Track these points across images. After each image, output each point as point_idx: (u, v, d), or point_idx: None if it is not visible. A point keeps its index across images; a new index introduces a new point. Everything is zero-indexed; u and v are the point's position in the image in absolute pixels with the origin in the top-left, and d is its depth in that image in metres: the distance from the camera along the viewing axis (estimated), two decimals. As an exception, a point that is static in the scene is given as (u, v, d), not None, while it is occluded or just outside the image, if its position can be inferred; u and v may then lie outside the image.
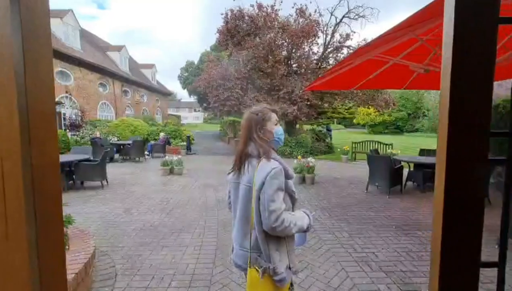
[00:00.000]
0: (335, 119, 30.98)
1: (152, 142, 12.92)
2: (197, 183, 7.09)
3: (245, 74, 11.26)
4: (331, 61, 13.16)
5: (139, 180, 7.28)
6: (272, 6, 11.81)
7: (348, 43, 12.49)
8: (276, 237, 1.28)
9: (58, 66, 14.35)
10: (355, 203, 5.33)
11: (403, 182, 6.19)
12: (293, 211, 1.38)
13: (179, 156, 8.63)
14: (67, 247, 2.74)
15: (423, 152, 7.46)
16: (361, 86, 7.16)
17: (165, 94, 31.30)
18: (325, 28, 12.34)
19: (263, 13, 11.77)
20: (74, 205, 5.03)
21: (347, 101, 13.82)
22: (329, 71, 6.16)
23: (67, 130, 13.44)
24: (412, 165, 6.65)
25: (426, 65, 5.15)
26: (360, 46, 11.57)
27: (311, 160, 7.01)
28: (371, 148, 10.88)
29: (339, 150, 12.21)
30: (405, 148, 14.78)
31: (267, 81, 11.49)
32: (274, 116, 1.40)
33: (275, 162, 1.29)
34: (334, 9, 11.98)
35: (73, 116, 14.36)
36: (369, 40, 12.30)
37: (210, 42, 40.03)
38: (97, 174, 6.32)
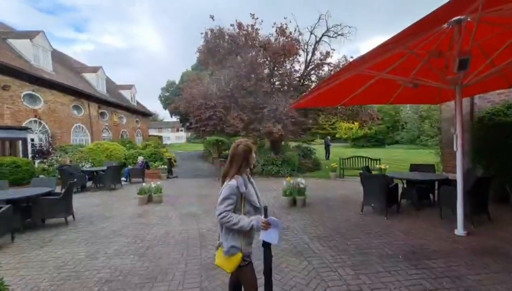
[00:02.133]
0: (318, 135, 31.28)
1: (130, 167, 12.05)
2: (177, 212, 6.41)
3: (228, 92, 10.92)
4: (313, 78, 13.20)
5: (111, 212, 6.48)
6: (252, 26, 11.78)
7: (328, 60, 12.63)
8: (226, 227, 1.97)
9: (25, 89, 13.37)
10: (353, 228, 4.89)
11: (399, 201, 5.88)
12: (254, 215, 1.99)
13: (159, 182, 7.92)
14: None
15: (413, 167, 7.27)
16: (348, 102, 6.97)
17: (145, 115, 30.37)
18: (306, 47, 12.45)
19: (244, 32, 11.70)
20: (29, 251, 4.24)
21: (331, 117, 13.79)
22: (315, 88, 5.91)
23: (35, 157, 12.31)
24: (404, 182, 6.40)
25: (413, 78, 5.03)
26: (350, 60, 11.67)
27: (301, 180, 6.58)
28: (359, 164, 10.69)
29: (326, 167, 11.93)
30: (391, 161, 14.84)
31: (250, 100, 11.20)
32: (253, 151, 2.13)
33: (233, 180, 1.97)
34: (314, 28, 12.16)
35: (41, 142, 13.24)
36: (349, 57, 12.58)
37: (191, 62, 40.04)
38: (61, 209, 5.50)
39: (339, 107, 11.14)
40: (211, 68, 12.77)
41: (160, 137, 34.66)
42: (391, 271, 3.27)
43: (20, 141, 11.98)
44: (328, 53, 12.46)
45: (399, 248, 3.93)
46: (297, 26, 12.28)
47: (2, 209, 4.46)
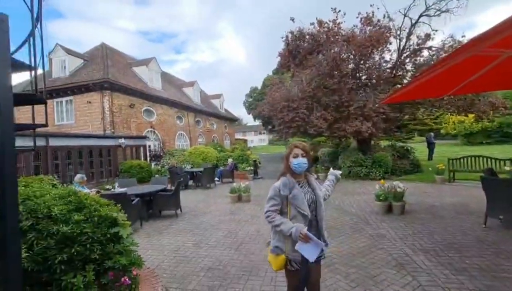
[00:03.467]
0: (416, 132, 27.02)
1: (221, 168, 13.38)
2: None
3: (310, 93, 10.72)
4: (408, 66, 11.50)
5: (209, 208, 7.34)
6: (334, 20, 11.24)
7: (428, 43, 10.75)
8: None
9: (144, 105, 16.73)
10: (473, 244, 3.99)
11: (546, 214, 4.45)
12: (306, 226, 1.88)
13: (247, 182, 8.50)
14: (136, 292, 2.61)
15: None
16: (459, 91, 5.78)
17: (232, 120, 33.22)
18: (398, 32, 10.95)
19: (325, 29, 11.29)
20: (152, 235, 5.26)
21: (434, 110, 11.69)
22: (414, 79, 5.14)
23: (151, 160, 15.20)
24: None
25: None
26: (461, 40, 9.75)
27: (398, 184, 5.82)
28: (477, 165, 8.66)
29: (430, 169, 10.16)
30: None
31: (334, 98, 10.67)
32: (294, 152, 2.03)
33: (278, 181, 2.04)
34: (408, 10, 10.57)
35: (155, 148, 16.26)
36: (458, 36, 10.41)
37: (271, 67, 41.39)
38: (172, 203, 6.60)
39: (445, 98, 9.31)
40: (292, 70, 12.84)
41: (245, 141, 37.18)
42: (540, 305, 2.50)
43: (142, 148, 15.02)
44: (428, 36, 10.61)
45: (550, 277, 2.97)
46: (387, 11, 10.91)
47: (135, 201, 5.70)
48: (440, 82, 4.93)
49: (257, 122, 55.67)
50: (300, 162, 1.99)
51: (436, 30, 10.64)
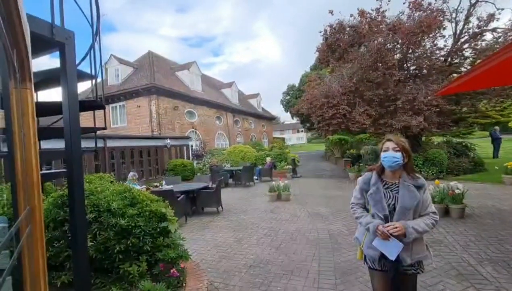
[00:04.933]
0: (477, 126, 23.92)
1: (260, 167, 13.48)
2: (305, 211, 6.56)
3: (351, 87, 10.18)
4: (467, 53, 10.23)
5: (249, 206, 7.45)
6: (377, 9, 10.51)
7: (492, 25, 9.42)
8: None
9: (186, 107, 17.66)
10: (555, 256, 3.39)
11: None
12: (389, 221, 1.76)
13: (286, 181, 8.42)
14: (184, 284, 2.76)
15: None
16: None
17: (269, 119, 33.28)
18: (454, 15, 9.79)
19: (367, 19, 10.61)
20: (196, 230, 5.52)
21: (500, 100, 10.22)
22: (475, 66, 4.55)
23: (194, 159, 15.98)
24: None
25: None
26: None
27: (456, 184, 5.22)
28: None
29: (496, 167, 8.91)
30: None
31: (378, 92, 9.98)
32: (384, 146, 1.82)
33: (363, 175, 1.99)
34: (466, -12, 9.41)
35: (197, 147, 17.05)
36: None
37: (309, 63, 40.42)
38: (214, 201, 6.85)
39: (514, 86, 8.08)
40: (331, 65, 12.34)
41: (283, 139, 36.97)
42: None
43: (185, 147, 15.88)
44: (492, 16, 9.27)
45: None
46: (440, -9, 9.80)
47: (180, 197, 6.05)
48: (509, 68, 4.29)
49: (295, 120, 54.95)
50: (388, 155, 1.77)
51: (503, 9, 9.28)
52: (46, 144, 5.60)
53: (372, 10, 10.59)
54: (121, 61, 17.73)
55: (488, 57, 4.53)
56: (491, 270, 3.16)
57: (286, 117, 70.54)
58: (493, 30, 9.42)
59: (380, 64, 9.95)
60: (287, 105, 43.62)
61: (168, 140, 13.97)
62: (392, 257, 1.70)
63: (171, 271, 2.66)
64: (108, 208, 2.67)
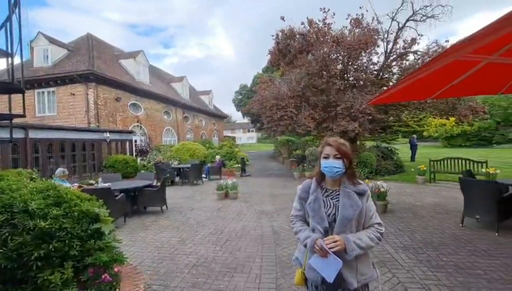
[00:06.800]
0: (400, 133, 27.80)
1: (209, 165, 13.28)
2: (252, 208, 6.71)
3: (299, 92, 10.80)
4: (395, 69, 11.79)
5: (195, 205, 7.27)
6: (323, 20, 11.34)
7: (414, 48, 11.05)
8: None
9: (131, 99, 16.33)
10: (450, 242, 4.16)
11: (517, 214, 4.69)
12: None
13: (234, 179, 8.48)
14: (117, 289, 2.56)
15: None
16: (441, 95, 5.97)
17: (221, 117, 32.99)
18: (386, 36, 11.20)
19: (315, 29, 11.37)
20: (136, 231, 5.16)
21: (417, 112, 12.05)
22: (400, 81, 5.27)
23: (137, 155, 14.87)
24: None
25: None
26: (444, 45, 10.06)
27: (381, 184, 5.98)
28: (456, 167, 9.02)
29: (412, 169, 10.49)
30: (503, 165, 12.00)
31: (322, 98, 10.80)
32: (325, 151, 1.59)
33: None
34: (396, 14, 10.83)
35: (142, 143, 15.91)
36: (442, 41, 10.74)
37: (262, 65, 41.34)
38: (158, 200, 6.50)
39: (429, 101, 9.62)
40: (282, 69, 12.87)
41: (233, 138, 37.04)
42: (509, 300, 2.64)
43: (127, 142, 14.67)
44: (414, 40, 10.90)
45: (519, 274, 3.14)
46: (375, 14, 11.12)
47: (119, 196, 5.56)
48: (424, 85, 5.07)
49: (246, 120, 55.55)
50: (329, 165, 1.54)
51: (422, 35, 10.96)
52: None
53: (319, 20, 11.39)
54: (52, 40, 15.45)
55: (408, 75, 5.28)
56: (404, 257, 3.72)
57: (237, 117, 70.92)
58: (415, 52, 11.06)
59: (325, 73, 10.78)
60: (239, 105, 43.87)
61: (108, 134, 12.72)
62: (330, 279, 1.42)
63: (103, 276, 2.44)
64: (25, 208, 2.31)
